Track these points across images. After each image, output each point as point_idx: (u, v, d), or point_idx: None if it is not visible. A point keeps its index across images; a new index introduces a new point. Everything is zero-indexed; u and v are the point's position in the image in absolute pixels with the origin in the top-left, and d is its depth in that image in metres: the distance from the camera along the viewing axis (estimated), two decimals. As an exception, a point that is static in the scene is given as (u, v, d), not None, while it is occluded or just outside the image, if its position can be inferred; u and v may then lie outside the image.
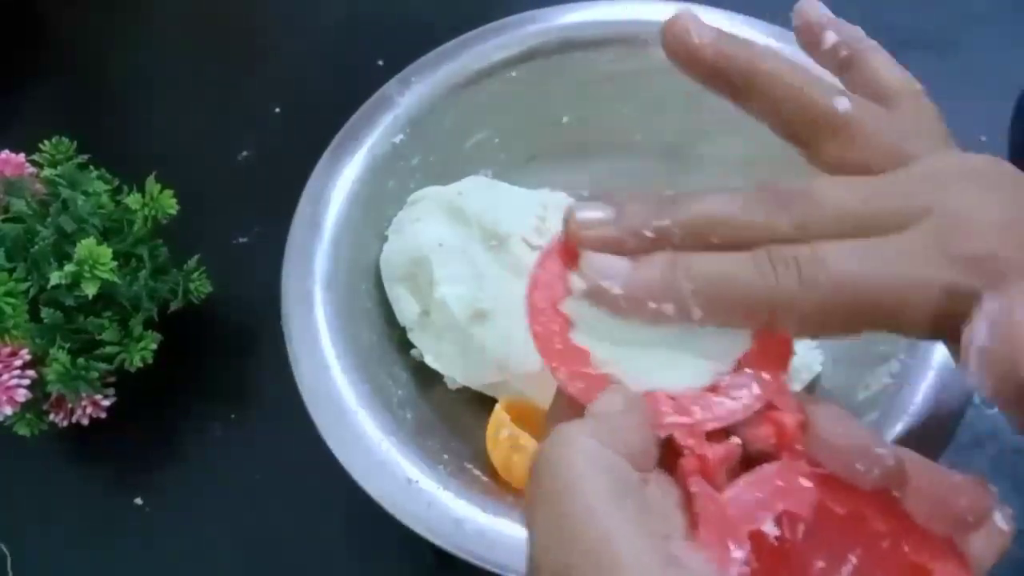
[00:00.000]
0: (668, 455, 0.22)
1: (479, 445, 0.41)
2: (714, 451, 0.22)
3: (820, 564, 0.23)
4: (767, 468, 0.22)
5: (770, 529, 0.22)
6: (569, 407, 0.24)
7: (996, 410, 0.44)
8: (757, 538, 0.21)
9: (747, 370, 0.24)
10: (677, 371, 0.24)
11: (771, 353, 0.24)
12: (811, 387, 0.43)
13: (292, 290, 0.41)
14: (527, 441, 0.38)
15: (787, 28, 0.48)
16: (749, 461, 0.23)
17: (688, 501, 0.22)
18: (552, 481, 0.20)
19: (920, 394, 0.37)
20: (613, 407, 0.22)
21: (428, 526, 0.35)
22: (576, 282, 0.23)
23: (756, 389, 0.23)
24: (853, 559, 0.23)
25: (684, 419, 0.23)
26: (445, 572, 0.43)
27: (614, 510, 0.19)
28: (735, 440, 0.23)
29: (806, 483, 0.22)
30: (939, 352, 0.38)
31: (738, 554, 0.21)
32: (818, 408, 0.23)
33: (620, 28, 0.49)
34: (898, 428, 0.36)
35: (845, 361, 0.43)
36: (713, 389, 0.23)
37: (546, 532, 0.19)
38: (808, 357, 0.44)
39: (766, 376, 0.24)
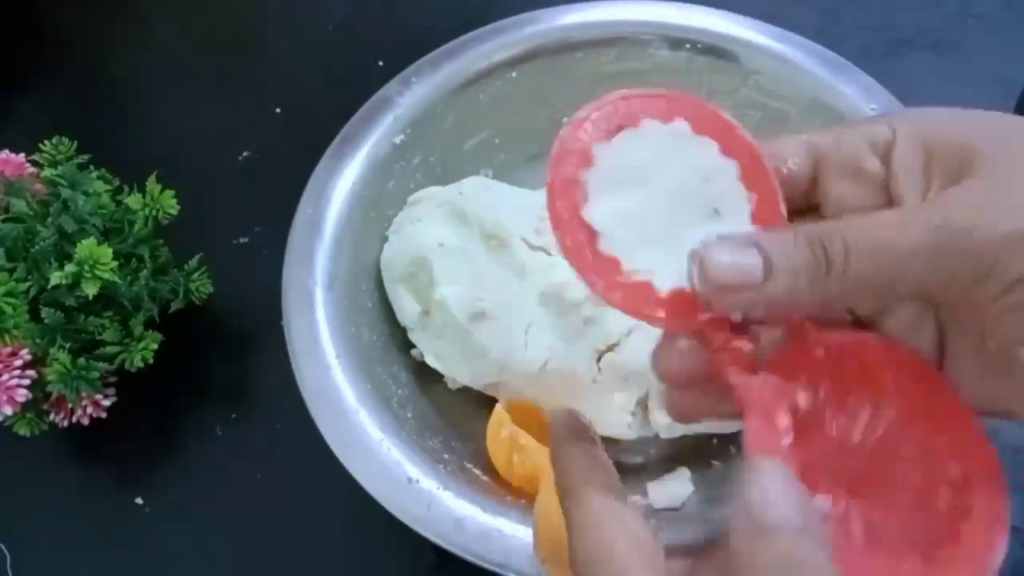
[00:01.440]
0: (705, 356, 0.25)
1: (479, 445, 0.41)
2: (743, 342, 0.25)
3: (841, 420, 0.25)
4: (785, 350, 0.25)
5: (801, 400, 0.24)
6: (589, 468, 0.26)
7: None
8: (792, 411, 0.24)
9: None
10: None
11: None
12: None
13: (293, 290, 0.42)
14: (527, 441, 0.38)
15: (786, 28, 0.48)
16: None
17: (730, 390, 0.24)
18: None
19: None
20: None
21: (428, 525, 0.35)
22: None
23: None
24: (868, 410, 0.25)
25: (711, 315, 0.24)
26: (445, 571, 0.43)
27: None
28: (757, 331, 0.25)
29: (819, 352, 0.25)
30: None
31: (784, 422, 0.24)
32: None
33: (620, 28, 0.49)
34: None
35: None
36: None
37: None
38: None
39: None
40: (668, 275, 0.25)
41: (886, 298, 0.24)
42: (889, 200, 0.24)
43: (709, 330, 0.25)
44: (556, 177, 0.26)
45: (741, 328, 0.25)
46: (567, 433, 0.27)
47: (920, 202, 0.23)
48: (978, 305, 0.22)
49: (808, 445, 0.25)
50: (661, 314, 0.25)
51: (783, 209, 0.25)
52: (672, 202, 0.26)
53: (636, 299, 0.25)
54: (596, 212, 0.26)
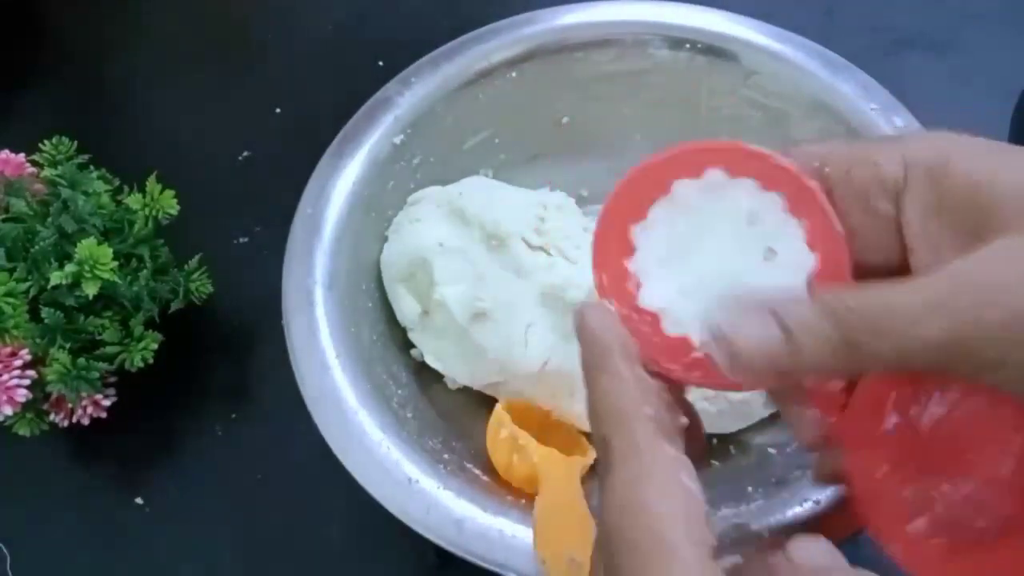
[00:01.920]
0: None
1: (479, 445, 0.41)
2: (834, 385, 0.25)
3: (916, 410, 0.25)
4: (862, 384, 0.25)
5: (890, 422, 0.25)
6: (642, 395, 0.24)
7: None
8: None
9: None
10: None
11: None
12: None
13: (293, 290, 0.42)
14: (527, 441, 0.38)
15: (786, 28, 0.48)
16: None
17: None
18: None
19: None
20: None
21: (428, 526, 0.35)
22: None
23: None
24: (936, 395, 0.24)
25: None
26: (445, 571, 0.43)
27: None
28: None
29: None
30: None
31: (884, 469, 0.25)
32: None
33: (620, 28, 0.49)
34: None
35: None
36: None
37: None
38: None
39: None
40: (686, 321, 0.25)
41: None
42: (902, 243, 0.23)
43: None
44: (603, 275, 0.26)
45: None
46: (618, 346, 0.24)
47: (933, 259, 0.22)
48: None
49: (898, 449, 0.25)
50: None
51: (839, 227, 0.24)
52: (724, 257, 0.26)
53: (718, 373, 0.24)
54: (653, 295, 0.26)
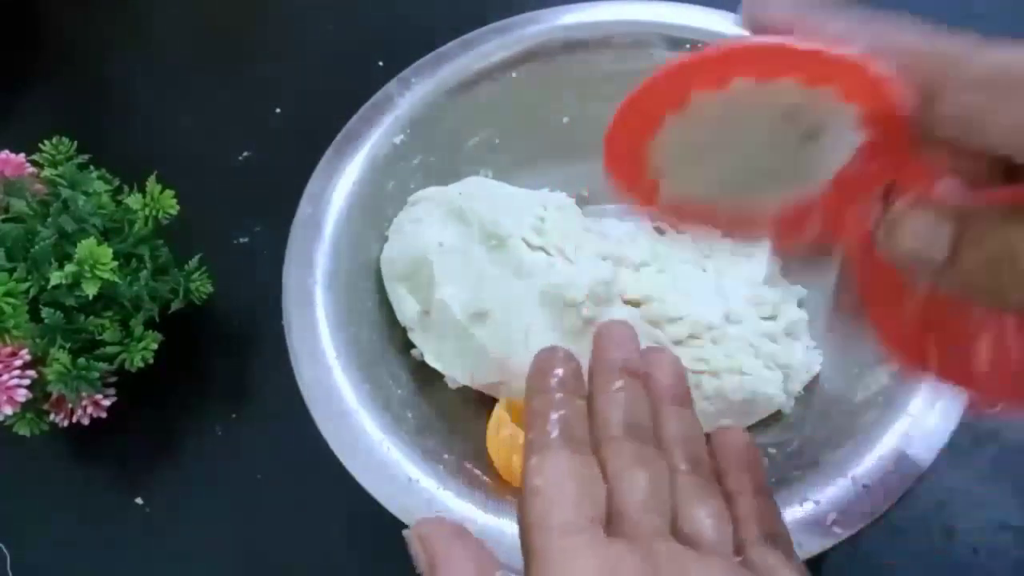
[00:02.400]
0: None
1: (479, 445, 0.41)
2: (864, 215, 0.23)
3: None
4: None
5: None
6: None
7: (996, 410, 0.44)
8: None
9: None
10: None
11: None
12: (810, 387, 0.43)
13: (293, 290, 0.42)
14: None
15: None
16: None
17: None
18: None
19: (919, 394, 0.37)
20: None
21: (428, 526, 0.35)
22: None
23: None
24: None
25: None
26: (445, 572, 0.43)
27: None
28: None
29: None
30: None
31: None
32: None
33: (620, 28, 0.49)
34: (897, 427, 0.36)
35: (844, 361, 0.43)
36: None
37: None
38: (807, 357, 0.44)
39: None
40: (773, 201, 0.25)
41: None
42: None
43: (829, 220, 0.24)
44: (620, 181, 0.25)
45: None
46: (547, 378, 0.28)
47: None
48: None
49: None
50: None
51: (904, 111, 0.21)
52: (751, 152, 0.24)
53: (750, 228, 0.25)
54: (673, 194, 0.25)
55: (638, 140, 0.24)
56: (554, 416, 0.27)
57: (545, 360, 0.30)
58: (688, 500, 0.26)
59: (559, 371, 0.29)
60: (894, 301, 0.24)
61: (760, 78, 0.22)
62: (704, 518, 0.26)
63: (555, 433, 0.27)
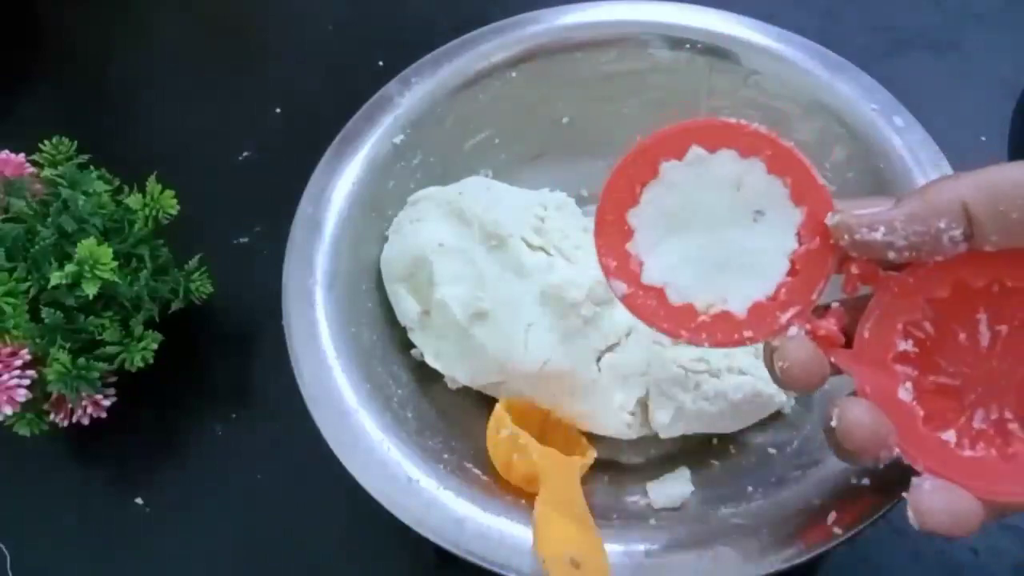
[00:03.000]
0: None
1: (479, 445, 0.41)
2: (828, 324, 0.28)
3: (962, 336, 0.27)
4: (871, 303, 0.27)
5: (905, 346, 0.27)
6: None
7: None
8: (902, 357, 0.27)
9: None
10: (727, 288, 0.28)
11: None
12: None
13: (293, 290, 0.42)
14: (527, 441, 0.38)
15: (786, 28, 0.48)
16: None
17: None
18: None
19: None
20: None
21: (428, 525, 0.35)
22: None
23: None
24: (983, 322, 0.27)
25: (792, 313, 0.28)
26: (445, 571, 0.43)
27: None
28: (835, 305, 0.28)
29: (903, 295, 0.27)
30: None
31: (900, 364, 0.27)
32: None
33: (620, 28, 0.49)
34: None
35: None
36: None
37: None
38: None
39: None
40: (741, 296, 0.28)
41: None
42: None
43: (797, 323, 0.27)
44: (609, 260, 0.29)
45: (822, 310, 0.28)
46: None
47: None
48: None
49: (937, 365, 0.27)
50: (749, 334, 0.28)
51: (820, 179, 0.27)
52: (717, 225, 0.28)
53: (723, 333, 0.28)
54: (655, 272, 0.28)
55: (620, 212, 0.28)
56: None
57: None
58: None
59: None
60: (892, 395, 0.28)
61: (709, 146, 0.27)
62: None
63: None
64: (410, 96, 0.47)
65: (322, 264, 0.42)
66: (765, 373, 0.42)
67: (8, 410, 0.42)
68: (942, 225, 0.24)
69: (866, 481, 0.35)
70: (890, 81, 0.46)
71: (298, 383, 0.39)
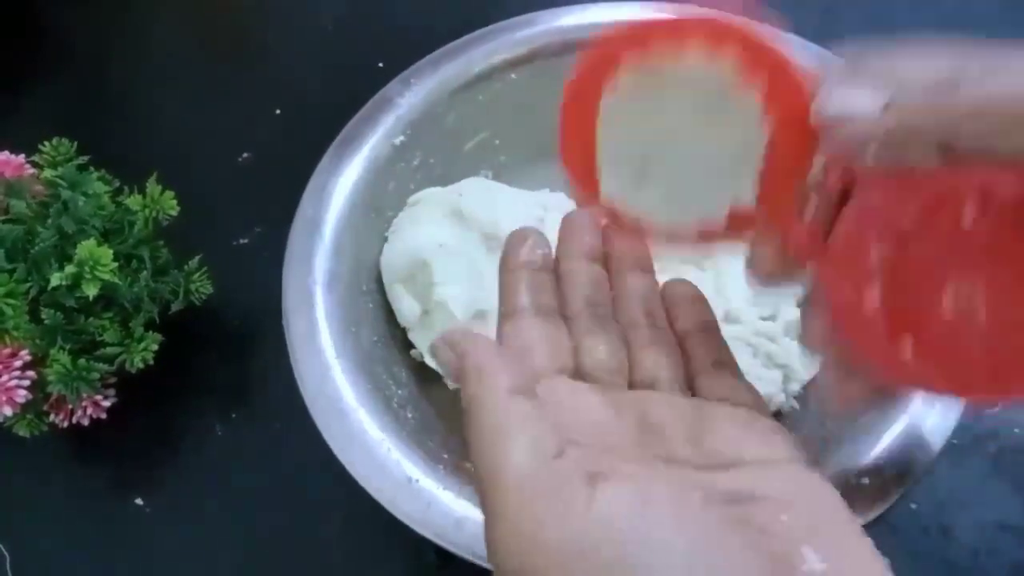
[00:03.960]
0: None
1: (479, 445, 0.41)
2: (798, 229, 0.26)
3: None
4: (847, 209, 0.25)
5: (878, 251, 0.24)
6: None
7: (996, 410, 0.44)
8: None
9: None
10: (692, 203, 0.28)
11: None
12: (810, 386, 0.43)
13: (293, 291, 0.42)
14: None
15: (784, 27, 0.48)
16: None
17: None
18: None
19: (918, 394, 0.37)
20: None
21: (428, 525, 0.35)
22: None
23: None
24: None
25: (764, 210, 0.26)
26: (446, 571, 0.43)
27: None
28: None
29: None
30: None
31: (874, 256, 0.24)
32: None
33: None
34: (896, 427, 0.36)
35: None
36: None
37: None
38: (807, 356, 0.44)
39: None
40: (717, 204, 0.27)
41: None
42: None
43: (773, 225, 0.26)
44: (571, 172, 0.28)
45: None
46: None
47: None
48: None
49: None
50: (725, 235, 0.27)
51: (799, 76, 0.25)
52: (677, 135, 0.27)
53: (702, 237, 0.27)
54: (611, 187, 0.28)
55: (586, 126, 0.27)
56: (523, 287, 0.30)
57: (516, 239, 0.32)
58: (644, 348, 0.29)
59: (528, 248, 0.32)
60: (856, 305, 0.25)
61: (678, 46, 0.25)
62: (658, 360, 0.29)
63: (525, 301, 0.30)
64: (410, 97, 0.47)
65: (322, 264, 0.42)
66: (764, 373, 0.42)
67: (8, 411, 0.42)
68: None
69: (865, 481, 0.35)
70: (889, 81, 0.46)
71: (298, 383, 0.39)
